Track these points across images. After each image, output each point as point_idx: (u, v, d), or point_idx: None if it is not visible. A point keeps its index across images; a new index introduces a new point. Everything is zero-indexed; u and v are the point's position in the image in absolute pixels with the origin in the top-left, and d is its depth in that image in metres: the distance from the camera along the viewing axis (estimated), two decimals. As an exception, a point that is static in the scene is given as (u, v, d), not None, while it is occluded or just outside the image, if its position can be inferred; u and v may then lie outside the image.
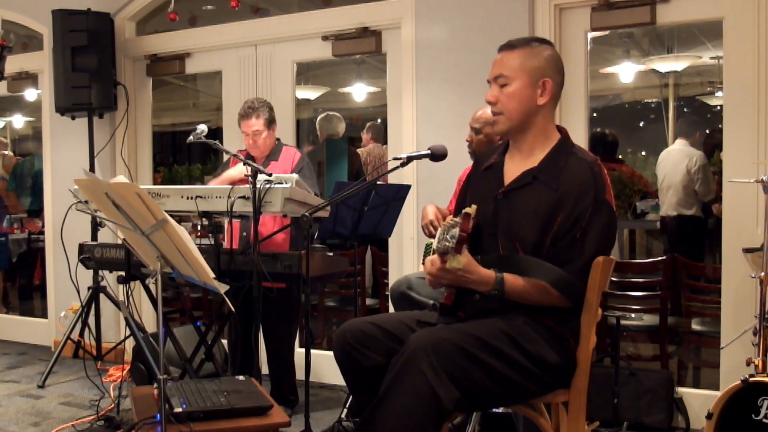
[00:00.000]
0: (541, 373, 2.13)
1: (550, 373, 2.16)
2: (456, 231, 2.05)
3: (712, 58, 6.63)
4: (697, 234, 5.22)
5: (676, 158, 5.26)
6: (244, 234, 3.67)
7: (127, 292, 3.14)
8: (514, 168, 2.29)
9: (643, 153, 9.28)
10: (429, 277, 2.21)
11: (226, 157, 3.87)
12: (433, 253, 2.16)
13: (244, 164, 3.10)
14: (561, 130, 2.31)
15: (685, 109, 8.42)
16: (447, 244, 2.05)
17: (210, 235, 3.15)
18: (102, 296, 4.69)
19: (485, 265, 2.14)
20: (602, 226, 2.15)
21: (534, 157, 2.26)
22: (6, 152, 7.49)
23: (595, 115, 7.92)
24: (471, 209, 2.16)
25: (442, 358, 1.97)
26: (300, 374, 2.89)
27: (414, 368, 1.96)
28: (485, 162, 2.41)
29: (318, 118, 6.14)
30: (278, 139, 3.92)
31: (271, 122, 3.80)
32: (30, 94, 5.94)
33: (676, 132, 5.62)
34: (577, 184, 2.15)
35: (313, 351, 2.88)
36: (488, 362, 2.04)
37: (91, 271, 4.48)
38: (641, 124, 9.54)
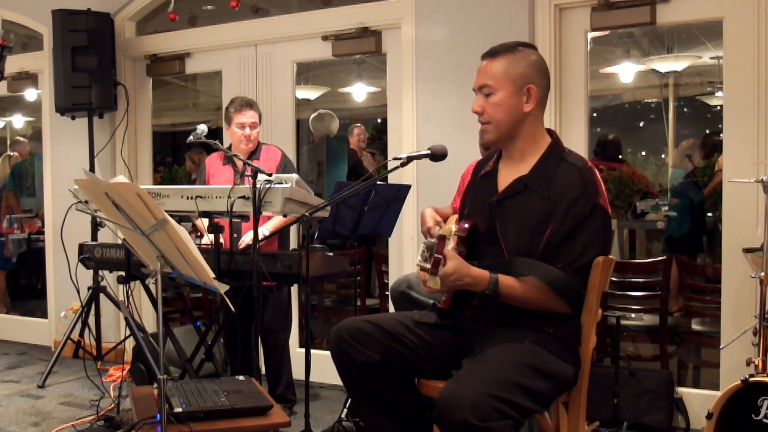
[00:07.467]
0: (561, 389, 2.16)
1: (566, 385, 2.18)
2: (432, 253, 2.07)
3: (712, 58, 6.62)
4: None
5: None
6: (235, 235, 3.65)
7: (127, 292, 3.14)
8: (506, 175, 2.28)
9: (643, 153, 9.28)
10: (425, 288, 2.26)
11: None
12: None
13: (244, 164, 3.10)
14: (551, 133, 2.28)
15: (684, 109, 8.42)
16: (426, 265, 2.08)
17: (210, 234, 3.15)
18: (102, 296, 4.69)
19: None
20: (595, 230, 2.13)
21: (525, 162, 2.24)
22: (11, 153, 7.48)
23: (595, 115, 7.91)
24: (447, 231, 2.18)
25: (480, 413, 1.86)
26: (300, 374, 2.89)
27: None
28: (482, 169, 2.41)
29: (310, 118, 6.12)
30: None
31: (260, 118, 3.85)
32: (30, 94, 5.95)
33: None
34: (568, 191, 2.13)
35: (312, 351, 2.88)
36: (520, 403, 1.97)
37: (91, 271, 4.48)
38: (641, 124, 9.54)
